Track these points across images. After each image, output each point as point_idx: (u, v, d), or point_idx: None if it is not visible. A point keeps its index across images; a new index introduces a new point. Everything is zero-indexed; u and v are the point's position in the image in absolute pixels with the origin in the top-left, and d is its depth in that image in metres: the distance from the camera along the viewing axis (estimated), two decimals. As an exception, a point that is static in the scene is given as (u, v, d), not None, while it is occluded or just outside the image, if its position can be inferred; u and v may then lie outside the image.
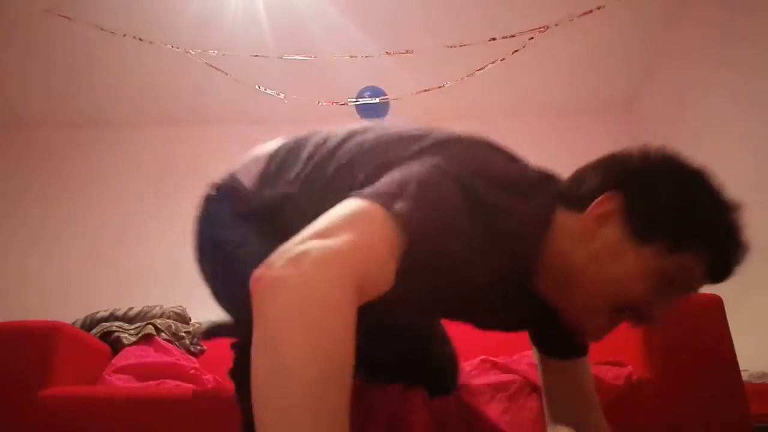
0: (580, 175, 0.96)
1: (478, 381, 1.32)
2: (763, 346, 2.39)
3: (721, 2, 3.11)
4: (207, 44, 3.27)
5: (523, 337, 1.16)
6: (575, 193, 0.93)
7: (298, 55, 3.31)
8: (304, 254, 0.71)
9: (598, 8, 2.99)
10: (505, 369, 1.38)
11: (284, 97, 3.44)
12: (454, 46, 3.21)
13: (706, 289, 1.36)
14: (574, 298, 0.92)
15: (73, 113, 4.06)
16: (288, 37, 3.38)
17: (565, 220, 0.92)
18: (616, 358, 1.30)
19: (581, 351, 1.10)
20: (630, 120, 4.20)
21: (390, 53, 3.34)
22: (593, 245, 0.90)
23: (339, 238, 0.73)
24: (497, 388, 1.29)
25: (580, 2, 3.01)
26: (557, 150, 4.19)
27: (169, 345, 1.90)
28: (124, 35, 3.15)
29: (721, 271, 0.93)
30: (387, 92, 3.50)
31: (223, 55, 3.25)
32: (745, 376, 1.70)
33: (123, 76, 3.73)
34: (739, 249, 0.93)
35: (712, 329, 1.26)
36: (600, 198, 0.90)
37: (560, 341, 1.10)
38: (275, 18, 3.32)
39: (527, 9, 3.21)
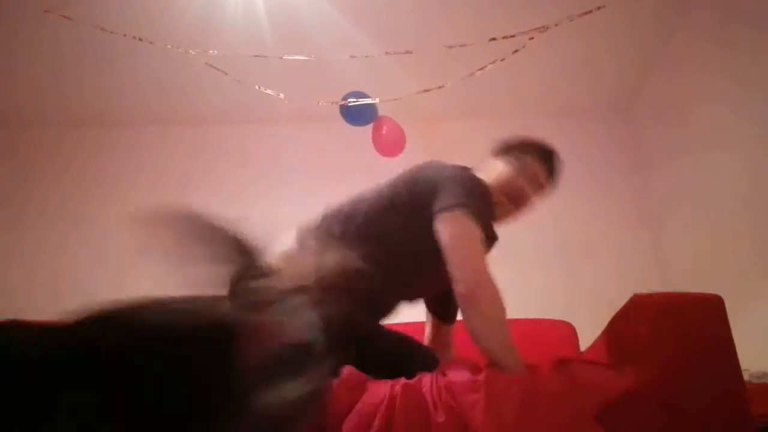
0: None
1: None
2: (764, 346, 2.40)
3: (719, 4, 3.12)
4: (207, 44, 3.27)
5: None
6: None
7: (298, 55, 3.31)
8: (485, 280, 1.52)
9: (598, 8, 3.00)
10: None
11: (284, 97, 3.44)
12: (454, 46, 3.21)
13: (708, 290, 1.37)
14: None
15: (73, 113, 4.06)
16: (288, 37, 3.38)
17: None
18: (619, 358, 1.30)
19: (452, 320, 1.86)
20: (629, 120, 4.21)
21: (390, 53, 3.34)
22: None
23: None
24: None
25: (579, 2, 3.02)
26: (557, 150, 4.20)
27: (171, 345, 1.90)
28: (124, 35, 3.14)
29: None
30: (387, 93, 3.51)
31: (224, 55, 3.25)
32: (745, 376, 1.70)
33: (123, 76, 3.73)
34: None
35: (714, 329, 1.26)
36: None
37: (446, 313, 1.85)
38: (275, 18, 3.32)
39: (527, 9, 3.21)
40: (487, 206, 1.62)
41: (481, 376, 1.37)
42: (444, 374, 1.45)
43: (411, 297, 1.79)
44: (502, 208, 1.72)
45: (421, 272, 1.64)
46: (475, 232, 1.51)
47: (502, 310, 1.51)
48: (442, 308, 1.87)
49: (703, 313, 1.28)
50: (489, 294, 1.50)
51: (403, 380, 1.40)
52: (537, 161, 1.78)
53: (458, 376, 1.40)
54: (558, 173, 1.83)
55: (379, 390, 1.37)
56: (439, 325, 1.89)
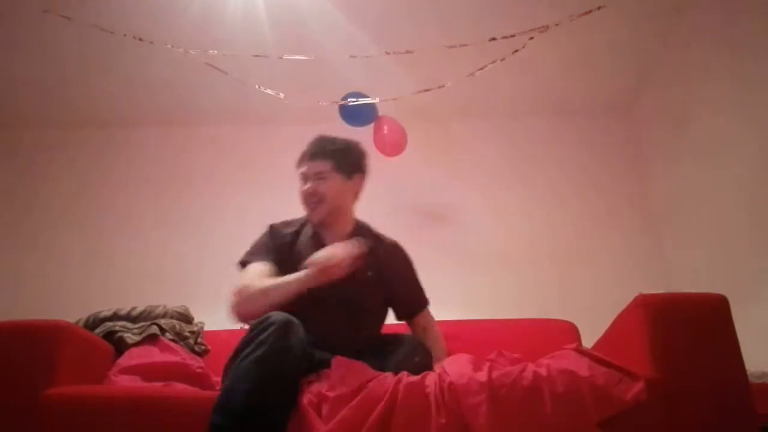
0: None
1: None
2: (763, 346, 2.40)
3: (720, 3, 3.12)
4: (207, 44, 3.26)
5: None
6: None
7: (298, 55, 3.31)
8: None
9: (598, 8, 3.00)
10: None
11: (284, 97, 3.44)
12: (454, 46, 3.22)
13: (708, 290, 1.37)
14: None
15: (72, 113, 4.05)
16: (288, 37, 3.38)
17: None
18: (624, 358, 1.30)
19: (408, 316, 2.21)
20: (630, 120, 4.21)
21: (390, 53, 3.35)
22: None
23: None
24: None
25: (580, 2, 3.02)
26: (557, 149, 4.21)
27: (175, 345, 1.89)
28: (124, 35, 3.14)
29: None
30: (387, 92, 3.51)
31: (224, 55, 3.25)
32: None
33: (123, 76, 3.73)
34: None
35: (718, 329, 1.27)
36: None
37: (399, 315, 2.22)
38: (275, 18, 3.31)
39: (527, 9, 3.21)
40: (261, 246, 2.06)
41: (484, 376, 1.37)
42: (446, 371, 1.45)
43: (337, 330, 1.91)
44: (316, 213, 2.09)
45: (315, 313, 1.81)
46: (242, 276, 1.93)
47: (247, 288, 1.83)
48: (396, 314, 2.21)
49: (708, 313, 1.28)
50: (239, 298, 1.81)
51: (406, 377, 1.40)
52: (300, 165, 2.20)
53: (461, 374, 1.40)
54: (317, 156, 2.17)
55: (384, 384, 1.37)
56: (407, 323, 2.24)
